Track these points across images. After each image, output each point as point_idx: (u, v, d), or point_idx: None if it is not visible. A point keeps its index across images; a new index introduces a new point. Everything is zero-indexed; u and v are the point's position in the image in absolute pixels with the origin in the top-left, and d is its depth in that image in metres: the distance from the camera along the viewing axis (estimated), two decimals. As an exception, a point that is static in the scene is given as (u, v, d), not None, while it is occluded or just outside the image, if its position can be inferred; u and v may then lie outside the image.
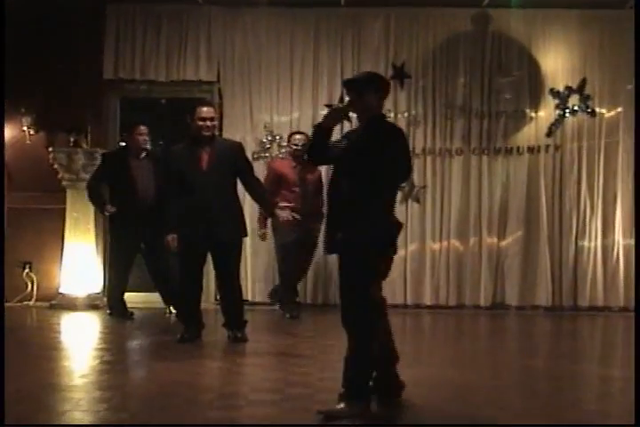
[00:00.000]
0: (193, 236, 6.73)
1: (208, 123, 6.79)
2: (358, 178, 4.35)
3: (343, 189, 4.42)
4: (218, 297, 8.37)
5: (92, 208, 8.88)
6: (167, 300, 8.35)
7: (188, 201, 6.71)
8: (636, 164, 9.16)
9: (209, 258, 7.04)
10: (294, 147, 8.10)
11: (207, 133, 6.80)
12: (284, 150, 8.74)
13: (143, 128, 8.27)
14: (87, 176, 8.86)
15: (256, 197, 7.10)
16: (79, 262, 8.98)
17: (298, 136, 8.14)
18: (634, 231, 9.12)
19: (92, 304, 8.88)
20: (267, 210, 7.23)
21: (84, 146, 8.96)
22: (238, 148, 7.07)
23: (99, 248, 9.17)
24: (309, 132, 8.86)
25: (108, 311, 8.35)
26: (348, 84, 4.69)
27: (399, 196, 7.93)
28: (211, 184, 6.70)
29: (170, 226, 6.86)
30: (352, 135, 4.68)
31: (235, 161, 6.84)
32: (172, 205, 6.88)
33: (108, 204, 8.30)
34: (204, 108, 6.86)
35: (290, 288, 8.32)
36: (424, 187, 9.14)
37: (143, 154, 8.22)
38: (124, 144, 8.97)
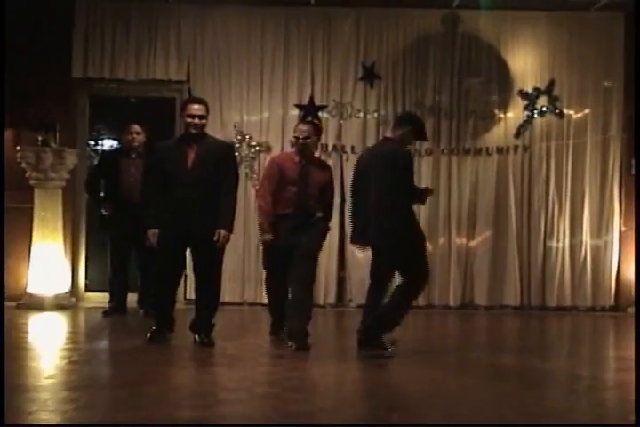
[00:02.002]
0: (172, 234, 6.77)
1: (197, 120, 6.74)
2: None
3: None
4: (188, 297, 8.59)
5: (60, 207, 9.02)
6: (141, 300, 8.51)
7: (172, 198, 6.73)
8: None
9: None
10: (297, 138, 6.97)
11: (195, 131, 6.77)
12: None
13: (134, 127, 8.38)
14: (55, 175, 9.01)
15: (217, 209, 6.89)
16: (47, 262, 8.97)
17: (302, 127, 7.07)
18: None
19: (59, 304, 8.88)
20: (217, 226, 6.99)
21: (53, 145, 8.96)
22: (227, 149, 7.08)
23: (67, 247, 9.23)
24: (280, 131, 9.12)
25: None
26: None
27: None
28: (195, 182, 6.70)
29: (152, 222, 6.87)
30: None
31: (221, 163, 6.81)
32: (154, 202, 6.88)
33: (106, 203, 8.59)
34: (195, 106, 6.83)
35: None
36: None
37: (134, 154, 8.38)
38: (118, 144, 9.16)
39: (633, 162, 9.37)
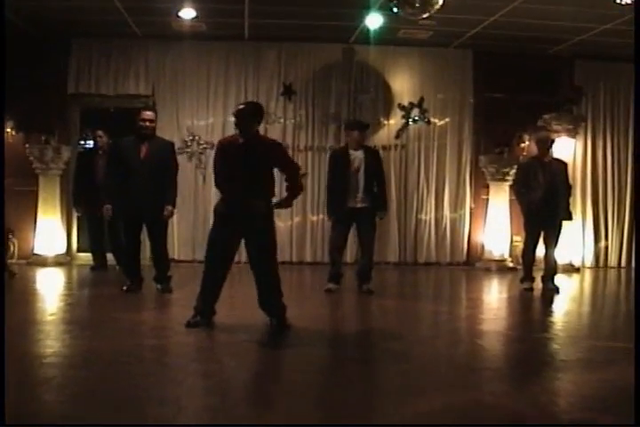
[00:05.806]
0: (131, 209, 7.36)
1: (147, 123, 7.42)
2: None
3: None
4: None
5: (58, 190, 10.18)
6: (118, 259, 9.16)
7: (128, 182, 7.30)
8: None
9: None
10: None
11: (144, 131, 7.39)
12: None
13: (98, 132, 9.55)
14: (54, 166, 10.12)
15: (164, 190, 7.43)
16: (48, 230, 10.23)
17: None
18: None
19: (58, 262, 10.19)
20: (166, 203, 7.51)
21: (53, 143, 10.20)
22: (170, 147, 7.71)
23: (63, 219, 10.48)
24: (221, 133, 10.27)
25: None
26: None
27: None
28: (146, 170, 7.28)
29: (108, 199, 7.55)
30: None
31: (165, 156, 7.46)
32: (113, 184, 7.47)
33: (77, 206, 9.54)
34: (146, 112, 7.53)
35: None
36: (305, 174, 10.70)
37: (100, 151, 9.42)
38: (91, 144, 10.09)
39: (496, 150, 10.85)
